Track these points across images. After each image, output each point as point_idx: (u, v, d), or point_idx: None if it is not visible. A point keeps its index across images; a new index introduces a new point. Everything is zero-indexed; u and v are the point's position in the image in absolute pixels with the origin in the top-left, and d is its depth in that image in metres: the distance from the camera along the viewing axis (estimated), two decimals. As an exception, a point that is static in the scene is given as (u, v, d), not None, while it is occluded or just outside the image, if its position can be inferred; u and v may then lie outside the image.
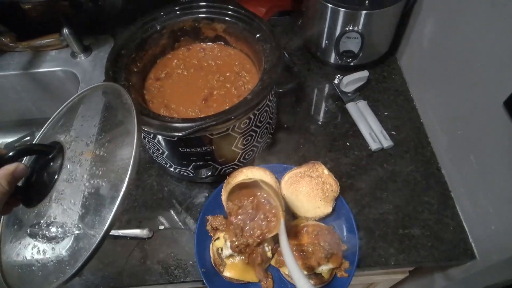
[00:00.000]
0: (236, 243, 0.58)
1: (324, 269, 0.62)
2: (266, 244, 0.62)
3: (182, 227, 0.73)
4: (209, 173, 0.70)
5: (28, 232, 0.48)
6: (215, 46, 0.78)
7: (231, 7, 0.72)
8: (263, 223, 0.60)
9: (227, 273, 0.62)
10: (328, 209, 0.68)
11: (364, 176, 0.77)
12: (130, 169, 0.43)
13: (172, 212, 0.75)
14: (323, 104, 0.90)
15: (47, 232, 0.46)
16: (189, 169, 0.70)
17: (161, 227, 0.72)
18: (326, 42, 0.89)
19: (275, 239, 0.64)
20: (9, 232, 0.50)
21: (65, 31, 0.92)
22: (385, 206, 0.73)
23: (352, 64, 0.90)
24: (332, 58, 0.91)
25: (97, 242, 0.41)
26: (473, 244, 0.69)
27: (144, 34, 0.71)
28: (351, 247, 0.66)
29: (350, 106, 0.86)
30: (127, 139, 0.46)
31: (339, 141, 0.82)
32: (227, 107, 0.65)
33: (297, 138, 0.83)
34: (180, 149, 0.64)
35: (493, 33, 0.60)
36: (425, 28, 0.82)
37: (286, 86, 0.69)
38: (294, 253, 0.62)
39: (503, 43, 0.58)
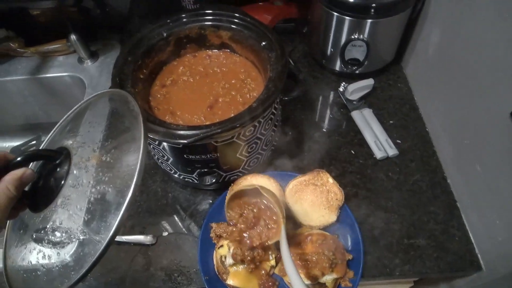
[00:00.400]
0: (240, 257, 0.58)
1: (328, 278, 0.61)
2: (269, 252, 0.62)
3: (186, 233, 0.72)
4: (214, 180, 0.70)
5: (34, 237, 0.48)
6: (221, 53, 0.78)
7: (237, 14, 0.72)
8: (264, 230, 0.60)
9: (230, 281, 0.62)
10: (333, 218, 0.68)
11: (369, 185, 0.77)
12: (136, 175, 0.43)
13: (176, 219, 0.75)
14: (328, 112, 0.90)
15: (52, 237, 0.46)
16: (194, 175, 0.70)
17: (165, 234, 0.72)
18: (331, 50, 0.89)
19: (279, 248, 0.64)
20: (15, 236, 0.50)
21: (73, 37, 0.93)
22: (390, 216, 0.73)
23: (357, 72, 0.90)
24: (337, 66, 0.91)
25: (102, 248, 0.41)
26: (479, 256, 0.68)
27: (151, 41, 0.71)
28: (355, 257, 0.65)
29: (355, 114, 0.86)
30: (133, 145, 0.46)
31: (344, 149, 0.82)
32: (232, 115, 0.66)
33: (302, 145, 0.83)
34: (185, 156, 0.64)
35: (499, 42, 0.60)
36: (431, 37, 0.82)
37: (291, 94, 0.69)
38: (298, 262, 0.62)
39: (509, 52, 0.57)
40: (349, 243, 0.67)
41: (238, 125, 0.58)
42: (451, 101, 0.75)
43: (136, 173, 0.43)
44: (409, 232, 0.71)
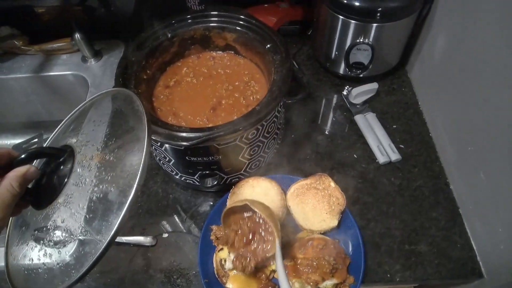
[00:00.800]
0: (240, 269, 0.58)
1: (328, 284, 0.61)
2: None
3: (186, 235, 0.72)
4: (215, 183, 0.70)
5: (36, 234, 0.48)
6: (225, 55, 0.78)
7: (242, 16, 0.72)
8: (260, 244, 0.59)
9: (230, 285, 0.62)
10: (334, 223, 0.67)
11: (371, 190, 0.76)
12: (139, 175, 0.43)
13: (177, 220, 0.74)
14: (331, 115, 0.89)
15: (54, 236, 0.46)
16: (195, 177, 0.70)
17: (165, 235, 0.72)
18: (336, 53, 0.88)
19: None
20: (17, 234, 0.50)
21: (77, 35, 0.93)
22: (392, 221, 0.72)
23: (361, 75, 0.90)
24: (342, 69, 0.91)
25: (103, 247, 0.41)
26: (481, 263, 0.67)
27: (155, 42, 0.71)
28: (356, 262, 0.65)
29: (359, 118, 0.85)
30: (137, 145, 0.46)
31: (347, 153, 0.82)
32: (235, 117, 0.65)
33: (304, 148, 0.82)
34: (186, 157, 0.64)
35: (506, 49, 0.59)
36: (436, 42, 0.81)
37: (295, 97, 0.69)
38: (298, 266, 0.61)
39: (516, 60, 0.57)
40: (350, 248, 0.67)
41: (241, 128, 0.57)
42: (455, 106, 0.75)
43: (139, 173, 0.43)
44: (410, 238, 0.70)
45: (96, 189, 0.45)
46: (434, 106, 0.84)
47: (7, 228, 0.51)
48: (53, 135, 0.55)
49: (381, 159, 0.79)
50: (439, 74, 0.81)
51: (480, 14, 0.65)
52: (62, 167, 0.46)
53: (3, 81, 0.97)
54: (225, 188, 0.72)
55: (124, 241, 0.70)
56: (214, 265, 0.65)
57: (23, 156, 0.43)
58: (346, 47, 0.85)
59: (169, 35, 0.72)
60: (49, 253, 0.46)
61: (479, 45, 0.66)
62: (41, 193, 0.46)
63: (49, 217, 0.46)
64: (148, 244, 0.70)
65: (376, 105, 0.90)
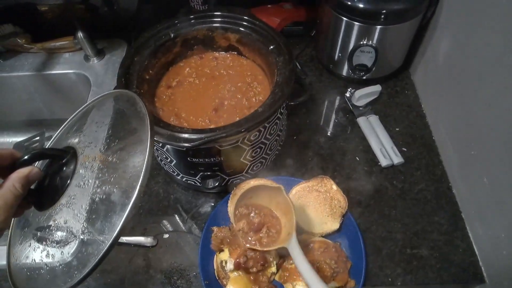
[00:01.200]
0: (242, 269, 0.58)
1: (329, 287, 0.60)
2: (271, 259, 0.61)
3: (187, 236, 0.72)
4: (217, 184, 0.69)
5: (38, 235, 0.48)
6: (228, 55, 0.78)
7: (245, 17, 0.72)
8: (264, 237, 0.59)
9: (230, 287, 0.61)
10: (335, 226, 0.67)
11: (372, 193, 0.76)
12: (141, 177, 0.43)
13: (178, 221, 0.74)
14: (334, 117, 0.89)
15: (56, 236, 0.46)
16: (197, 178, 0.70)
17: (166, 236, 0.72)
18: (339, 55, 0.88)
19: (280, 254, 0.63)
20: (19, 234, 0.50)
21: (80, 34, 0.93)
22: (394, 225, 0.72)
23: (364, 78, 0.90)
24: (345, 71, 0.91)
25: (106, 248, 0.41)
26: (483, 268, 0.67)
27: (158, 42, 0.71)
28: (357, 266, 0.65)
29: (361, 121, 0.85)
30: (139, 147, 0.46)
31: (349, 156, 0.81)
32: (237, 118, 0.65)
33: (306, 150, 0.82)
34: (188, 158, 0.64)
35: (511, 54, 0.59)
36: (441, 44, 0.81)
37: (297, 99, 0.68)
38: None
39: (521, 65, 0.57)
40: (351, 252, 0.67)
41: (243, 130, 0.57)
42: (459, 110, 0.75)
43: (142, 174, 0.43)
44: (412, 242, 0.70)
45: (98, 190, 0.45)
46: (437, 110, 0.84)
47: (9, 228, 0.51)
48: (56, 135, 0.55)
49: (384, 162, 0.78)
50: (443, 78, 0.81)
51: (485, 18, 0.65)
52: (64, 168, 0.46)
53: (5, 79, 0.97)
54: (227, 190, 0.72)
55: (125, 241, 0.70)
56: (215, 267, 0.65)
57: (26, 157, 0.43)
58: (350, 49, 0.84)
59: (172, 35, 0.72)
60: (52, 254, 0.46)
61: (483, 49, 0.66)
62: (44, 194, 0.46)
63: (51, 218, 0.46)
64: (148, 245, 0.70)
65: (379, 107, 0.89)
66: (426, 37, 0.87)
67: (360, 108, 0.87)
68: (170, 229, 0.73)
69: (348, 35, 0.83)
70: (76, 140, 0.51)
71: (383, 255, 0.69)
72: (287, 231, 0.59)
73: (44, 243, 0.47)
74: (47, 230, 0.46)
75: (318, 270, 0.60)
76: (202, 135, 0.56)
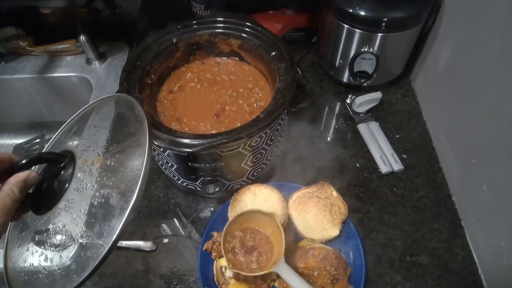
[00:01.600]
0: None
1: (329, 294, 0.60)
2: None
3: (187, 241, 0.72)
4: (217, 189, 0.69)
5: (36, 239, 0.48)
6: (230, 61, 0.78)
7: (248, 23, 0.72)
8: (253, 260, 0.60)
9: (230, 293, 0.61)
10: (335, 232, 0.67)
11: (372, 199, 0.76)
12: (140, 180, 0.44)
13: (177, 225, 0.74)
14: (334, 123, 0.89)
15: (55, 240, 0.46)
16: (197, 183, 0.70)
17: (165, 240, 0.72)
18: (340, 61, 0.88)
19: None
20: (17, 237, 0.50)
21: (82, 37, 0.93)
22: (393, 232, 0.72)
23: (365, 84, 0.90)
24: (345, 77, 0.91)
25: (105, 252, 0.41)
26: (482, 277, 0.67)
27: (160, 47, 0.71)
28: (357, 273, 0.65)
29: (362, 127, 0.85)
30: (138, 150, 0.47)
31: (349, 162, 0.82)
32: (238, 124, 0.66)
33: (307, 156, 0.82)
34: (189, 163, 0.64)
35: (512, 64, 0.59)
36: (441, 53, 0.81)
37: (299, 105, 0.69)
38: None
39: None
40: (351, 258, 0.67)
41: (244, 136, 0.57)
42: (459, 118, 0.75)
43: (141, 178, 0.44)
44: (412, 249, 0.70)
45: (97, 194, 0.45)
46: (438, 117, 0.84)
47: (6, 232, 0.50)
48: (54, 138, 0.55)
49: (384, 168, 0.79)
50: (443, 85, 0.81)
51: (485, 27, 0.65)
52: (63, 172, 0.46)
53: (7, 81, 0.97)
54: (227, 195, 0.72)
55: (124, 245, 0.70)
56: (214, 272, 0.65)
57: (24, 161, 0.44)
58: (351, 56, 0.85)
59: (174, 40, 0.72)
60: (50, 258, 0.46)
61: (484, 57, 0.66)
62: (42, 198, 0.46)
63: (50, 222, 0.46)
64: (148, 249, 0.70)
65: (379, 114, 0.90)
66: (427, 45, 0.87)
67: (361, 115, 0.87)
68: (170, 233, 0.73)
69: (349, 42, 0.83)
70: (74, 143, 0.51)
71: (383, 262, 0.69)
72: (276, 257, 0.58)
73: (42, 247, 0.47)
74: (45, 234, 0.46)
75: (318, 276, 0.60)
76: (204, 141, 0.56)
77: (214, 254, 0.64)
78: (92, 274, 0.41)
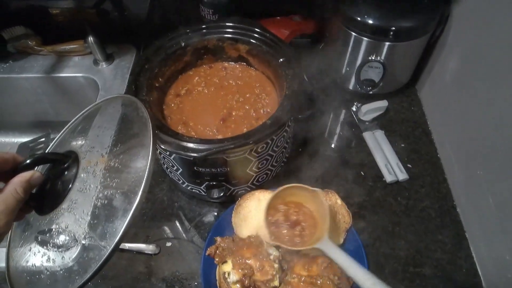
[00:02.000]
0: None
1: (331, 303, 0.60)
2: (274, 273, 0.61)
3: (190, 245, 0.72)
4: (221, 194, 0.69)
5: (39, 239, 0.48)
6: (237, 66, 0.78)
7: (256, 29, 0.72)
8: (296, 235, 0.60)
9: (232, 299, 0.61)
10: (339, 241, 0.67)
11: (377, 208, 0.76)
12: (144, 182, 0.43)
13: (181, 229, 0.74)
14: (340, 131, 0.89)
15: (57, 241, 0.46)
16: (202, 187, 0.70)
17: (168, 244, 0.72)
18: (347, 69, 0.89)
19: (283, 268, 0.63)
20: (19, 237, 0.50)
21: (90, 38, 0.93)
22: (397, 242, 0.72)
23: (371, 92, 0.90)
24: (352, 85, 0.91)
25: (107, 253, 0.41)
26: (486, 290, 0.67)
27: (169, 50, 0.71)
28: (360, 282, 0.64)
29: (367, 135, 0.85)
30: (142, 152, 0.46)
31: (354, 170, 0.81)
32: (244, 129, 0.66)
33: (312, 163, 0.82)
34: (194, 168, 0.64)
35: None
36: (448, 63, 0.81)
37: (305, 112, 0.69)
38: (301, 284, 0.60)
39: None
40: (354, 268, 0.66)
41: (251, 142, 0.57)
42: (465, 129, 0.75)
43: (144, 179, 0.43)
44: (415, 260, 0.70)
45: (100, 195, 0.45)
46: (443, 127, 0.84)
47: (9, 232, 0.50)
48: (58, 138, 0.55)
49: (389, 178, 0.78)
50: (450, 96, 0.81)
51: (493, 38, 0.65)
52: (66, 172, 0.46)
53: (14, 80, 0.98)
54: (231, 200, 0.72)
55: (127, 248, 0.70)
56: (217, 278, 0.64)
57: (28, 161, 0.44)
58: (358, 64, 0.85)
59: (183, 44, 0.73)
60: (53, 258, 0.46)
61: (491, 68, 0.66)
62: (45, 198, 0.46)
63: (53, 222, 0.46)
64: (151, 252, 0.70)
65: (385, 122, 0.89)
66: (434, 55, 0.87)
67: (366, 123, 0.87)
68: (173, 237, 0.73)
69: (356, 50, 0.83)
70: (79, 143, 0.51)
71: (386, 273, 0.68)
72: (319, 234, 0.59)
73: (45, 247, 0.47)
74: (48, 234, 0.46)
75: (321, 285, 0.59)
76: (210, 146, 0.56)
77: (217, 259, 0.64)
78: (94, 276, 0.41)
